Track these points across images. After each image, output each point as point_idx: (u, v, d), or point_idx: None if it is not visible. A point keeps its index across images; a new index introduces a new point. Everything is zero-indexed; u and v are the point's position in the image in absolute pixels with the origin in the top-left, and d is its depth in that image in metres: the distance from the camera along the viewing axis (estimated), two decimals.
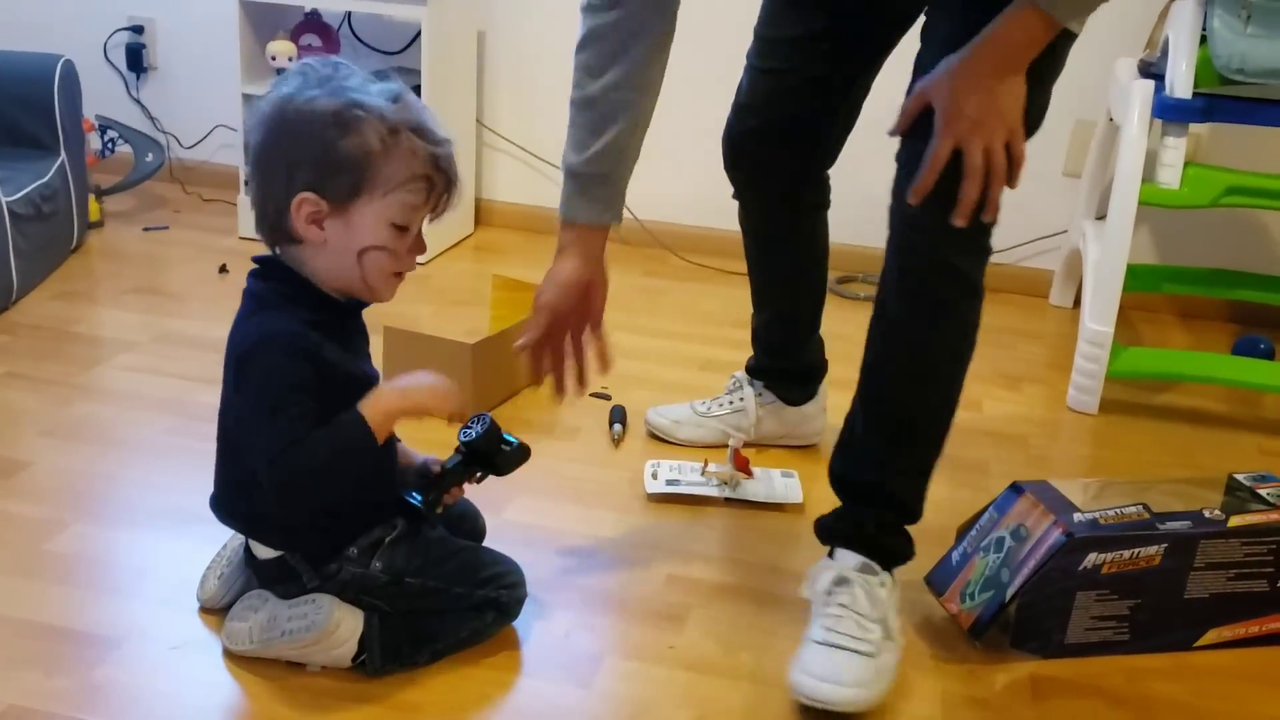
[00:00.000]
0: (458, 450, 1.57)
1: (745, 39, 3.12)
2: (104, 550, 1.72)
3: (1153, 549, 1.59)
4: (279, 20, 3.09)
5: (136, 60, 3.46)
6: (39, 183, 2.69)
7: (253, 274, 1.45)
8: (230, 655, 1.50)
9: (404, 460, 1.60)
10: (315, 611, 1.47)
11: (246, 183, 1.45)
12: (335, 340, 1.42)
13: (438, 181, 1.39)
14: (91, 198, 3.08)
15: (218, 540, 1.64)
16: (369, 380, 1.47)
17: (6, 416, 2.10)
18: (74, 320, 2.54)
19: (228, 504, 1.52)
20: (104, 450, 2.01)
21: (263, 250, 1.45)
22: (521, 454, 1.60)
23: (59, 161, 2.82)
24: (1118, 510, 1.61)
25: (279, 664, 1.49)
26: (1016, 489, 1.68)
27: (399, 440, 1.60)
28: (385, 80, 1.39)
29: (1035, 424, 2.39)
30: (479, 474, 1.58)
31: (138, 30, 3.45)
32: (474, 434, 1.56)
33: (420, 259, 1.47)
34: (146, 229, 3.16)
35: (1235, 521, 1.61)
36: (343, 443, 1.36)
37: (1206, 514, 1.62)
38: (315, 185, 1.35)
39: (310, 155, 1.34)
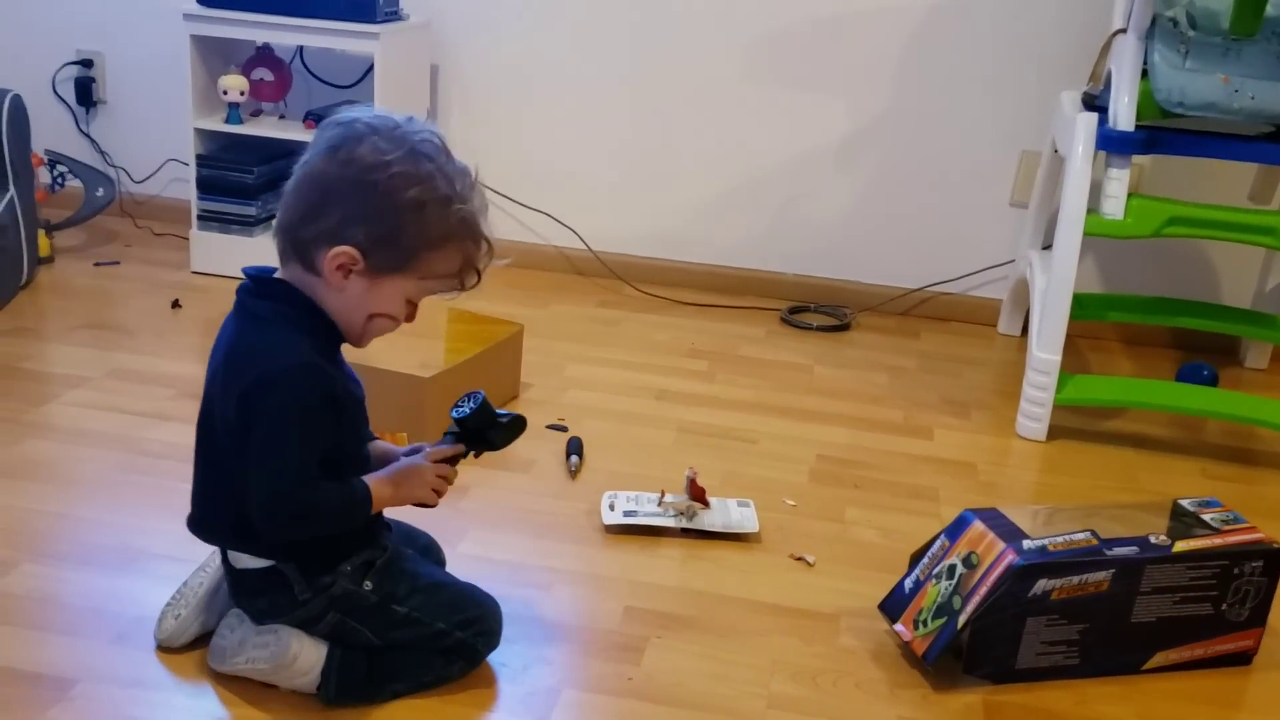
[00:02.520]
0: (451, 430, 1.57)
1: (696, 78, 3.17)
2: (55, 589, 1.70)
3: (1101, 574, 1.62)
4: (231, 54, 3.08)
5: (86, 94, 3.44)
6: None
7: (246, 290, 1.45)
8: (212, 673, 1.53)
9: (380, 453, 1.59)
10: (276, 642, 1.49)
11: (281, 186, 1.44)
12: (332, 361, 1.45)
13: (468, 281, 1.44)
14: (41, 233, 3.05)
15: (172, 578, 1.63)
16: (362, 400, 1.50)
17: None
18: (23, 356, 2.51)
19: (212, 520, 1.51)
20: (54, 488, 1.98)
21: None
22: (516, 426, 1.61)
23: (8, 197, 2.79)
24: (1066, 537, 1.64)
25: (248, 689, 1.51)
26: (967, 516, 1.71)
27: (376, 437, 1.61)
28: (452, 160, 1.40)
29: (984, 451, 2.43)
30: (476, 452, 1.59)
31: (87, 64, 3.43)
32: (466, 411, 1.56)
33: None
34: (98, 264, 3.13)
35: (1180, 546, 1.64)
36: (346, 508, 1.44)
37: (1153, 539, 1.66)
38: (363, 246, 1.36)
39: (372, 221, 1.35)
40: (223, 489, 1.47)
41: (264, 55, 3.12)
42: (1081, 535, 1.65)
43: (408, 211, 1.35)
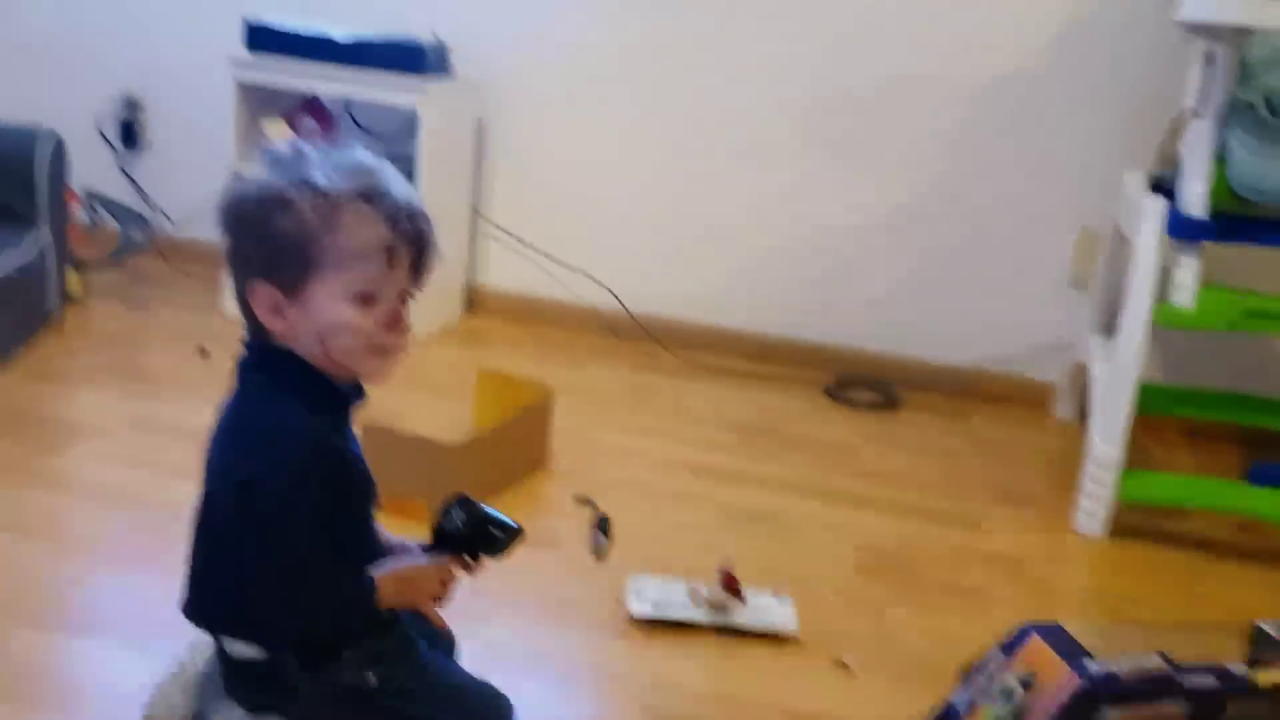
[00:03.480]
0: (440, 539, 1.45)
1: (746, 140, 3.09)
2: (47, 661, 1.61)
3: (1174, 705, 1.48)
4: (277, 101, 3.04)
5: (130, 134, 3.41)
6: (16, 256, 2.61)
7: (245, 362, 1.35)
8: None
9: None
10: None
11: None
12: (339, 431, 1.33)
13: (399, 246, 1.26)
14: (73, 272, 3.01)
15: (167, 654, 1.53)
16: (370, 478, 1.38)
17: None
18: (41, 400, 2.44)
19: (204, 606, 1.40)
20: (56, 547, 1.90)
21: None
22: (513, 537, 1.47)
23: (39, 235, 2.74)
24: (1136, 660, 1.50)
25: None
26: (1026, 630, 1.58)
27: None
28: (350, 152, 1.30)
29: (1038, 547, 2.29)
30: (472, 564, 1.47)
31: (133, 105, 3.40)
32: (458, 525, 1.44)
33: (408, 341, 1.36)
34: (127, 306, 3.07)
35: (1263, 679, 1.50)
36: (356, 604, 1.34)
37: (1232, 669, 1.51)
38: (264, 274, 1.26)
39: (254, 244, 1.26)
40: (216, 575, 1.37)
41: (311, 104, 3.08)
42: (1152, 659, 1.51)
43: (276, 217, 1.24)
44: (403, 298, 1.32)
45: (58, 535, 1.94)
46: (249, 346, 1.34)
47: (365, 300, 1.27)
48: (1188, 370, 2.98)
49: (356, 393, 1.38)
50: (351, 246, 1.24)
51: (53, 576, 1.81)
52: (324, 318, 1.27)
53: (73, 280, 3.02)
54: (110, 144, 3.44)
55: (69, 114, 3.34)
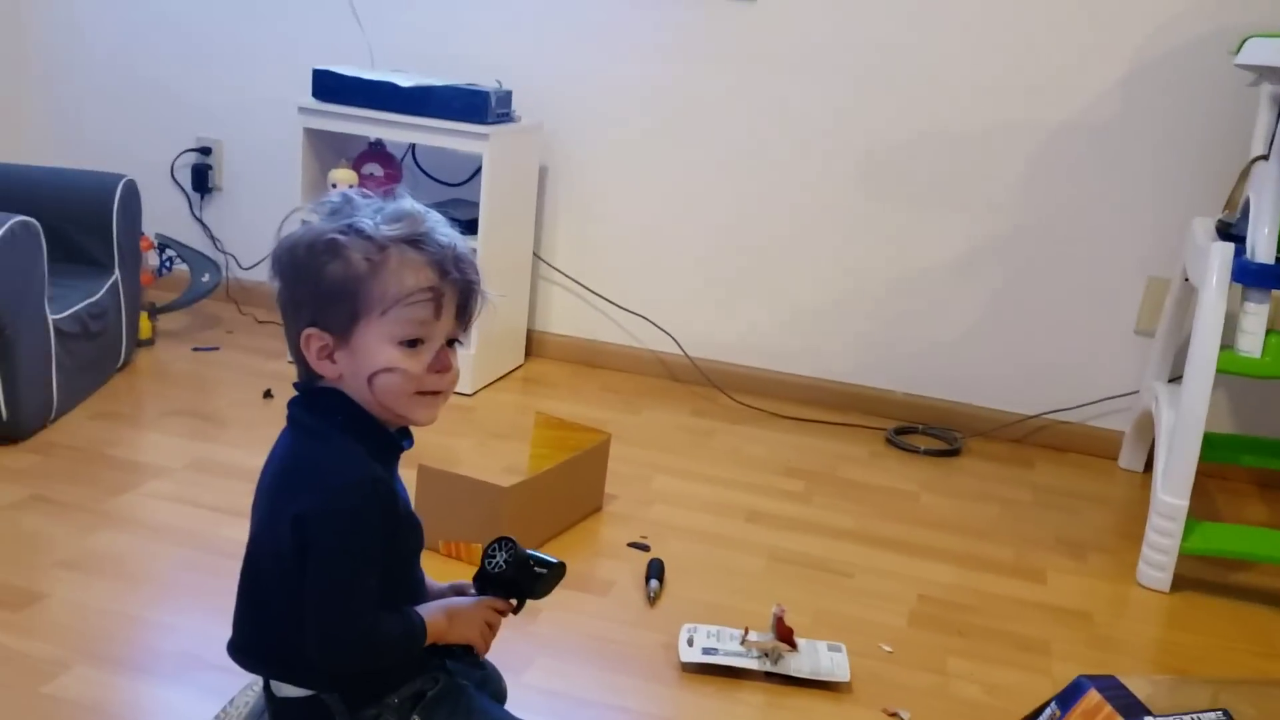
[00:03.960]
0: (484, 581, 1.46)
1: (809, 186, 3.09)
2: (103, 697, 1.63)
3: None
4: (343, 148, 3.10)
5: (202, 180, 3.50)
6: (88, 301, 2.68)
7: (297, 402, 1.38)
8: None
9: (427, 588, 1.50)
10: None
11: None
12: (390, 474, 1.35)
13: (445, 289, 1.29)
14: (144, 315, 3.08)
15: (222, 692, 1.56)
16: (416, 521, 1.40)
17: (26, 544, 2.04)
18: (110, 442, 2.50)
19: (254, 648, 1.42)
20: (120, 585, 1.93)
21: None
22: (555, 576, 1.47)
23: (112, 280, 2.82)
24: (1195, 716, 1.46)
25: None
26: (1082, 684, 1.54)
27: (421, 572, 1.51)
28: (398, 201, 1.33)
29: (1102, 599, 2.24)
30: (515, 603, 1.47)
31: (205, 151, 3.49)
32: (501, 564, 1.45)
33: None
34: (196, 349, 3.14)
35: None
36: (404, 641, 1.35)
37: None
38: (315, 319, 1.29)
39: (306, 289, 1.29)
40: (265, 616, 1.39)
41: (376, 151, 3.14)
42: (1212, 716, 1.47)
43: (326, 263, 1.26)
44: (449, 342, 1.35)
45: (119, 574, 1.97)
46: (301, 389, 1.37)
47: (412, 345, 1.30)
48: (1258, 420, 2.91)
49: (404, 437, 1.40)
50: (399, 292, 1.27)
51: (113, 614, 1.84)
52: (372, 362, 1.29)
53: (144, 323, 3.09)
54: (184, 190, 3.53)
55: (145, 161, 3.45)
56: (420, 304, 1.28)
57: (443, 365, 1.33)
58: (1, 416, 2.39)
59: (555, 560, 1.47)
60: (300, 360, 1.33)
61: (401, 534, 1.36)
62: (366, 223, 1.28)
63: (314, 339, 1.29)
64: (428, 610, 1.40)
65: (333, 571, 1.30)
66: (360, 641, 1.32)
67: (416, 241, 1.28)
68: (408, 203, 1.33)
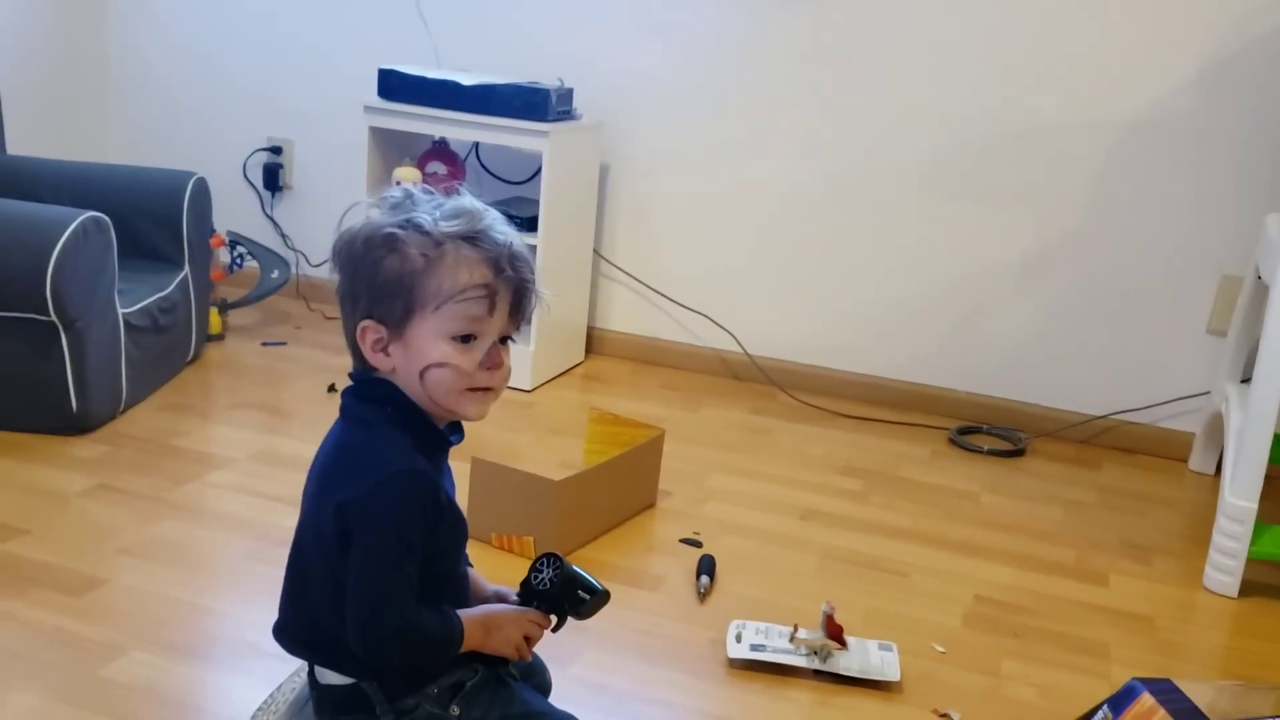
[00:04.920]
0: (528, 595, 1.46)
1: (872, 184, 3.06)
2: (157, 681, 1.67)
3: None
4: (408, 146, 3.14)
5: (273, 179, 3.57)
6: (158, 295, 2.75)
7: (350, 392, 1.40)
8: None
9: (473, 586, 1.51)
10: None
11: None
12: (437, 467, 1.36)
13: (499, 287, 1.30)
14: (214, 311, 3.15)
15: (272, 678, 1.57)
16: (460, 516, 1.41)
17: (90, 530, 2.09)
18: (177, 433, 2.55)
19: (297, 632, 1.45)
20: (179, 572, 1.97)
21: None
22: (601, 601, 1.47)
23: (181, 275, 2.88)
24: None
25: None
26: (1135, 687, 1.50)
27: (471, 567, 1.52)
28: (458, 198, 1.34)
29: (1166, 604, 2.18)
30: (557, 621, 1.48)
31: (276, 151, 3.56)
32: (546, 581, 1.45)
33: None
34: (265, 344, 3.20)
35: None
36: (441, 641, 1.36)
37: None
38: (372, 312, 1.31)
39: (364, 282, 1.31)
40: (307, 602, 1.40)
41: (439, 149, 3.17)
42: None
43: (383, 257, 1.27)
44: (502, 339, 1.36)
45: (179, 561, 2.01)
46: (355, 379, 1.39)
47: (465, 340, 1.31)
48: None
49: (453, 432, 1.41)
50: (453, 288, 1.28)
51: (171, 600, 1.88)
52: (425, 356, 1.30)
53: (214, 319, 3.16)
54: (255, 189, 3.60)
55: (219, 161, 3.53)
56: (474, 300, 1.29)
57: (494, 362, 1.33)
58: (72, 407, 2.46)
59: (601, 587, 1.46)
60: (355, 351, 1.35)
61: (444, 528, 1.36)
62: (425, 218, 1.30)
63: (369, 331, 1.31)
64: (468, 616, 1.40)
65: (372, 560, 1.31)
66: (397, 633, 1.33)
67: (473, 238, 1.30)
68: (467, 200, 1.35)
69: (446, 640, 1.37)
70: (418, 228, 1.29)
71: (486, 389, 1.35)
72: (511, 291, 1.32)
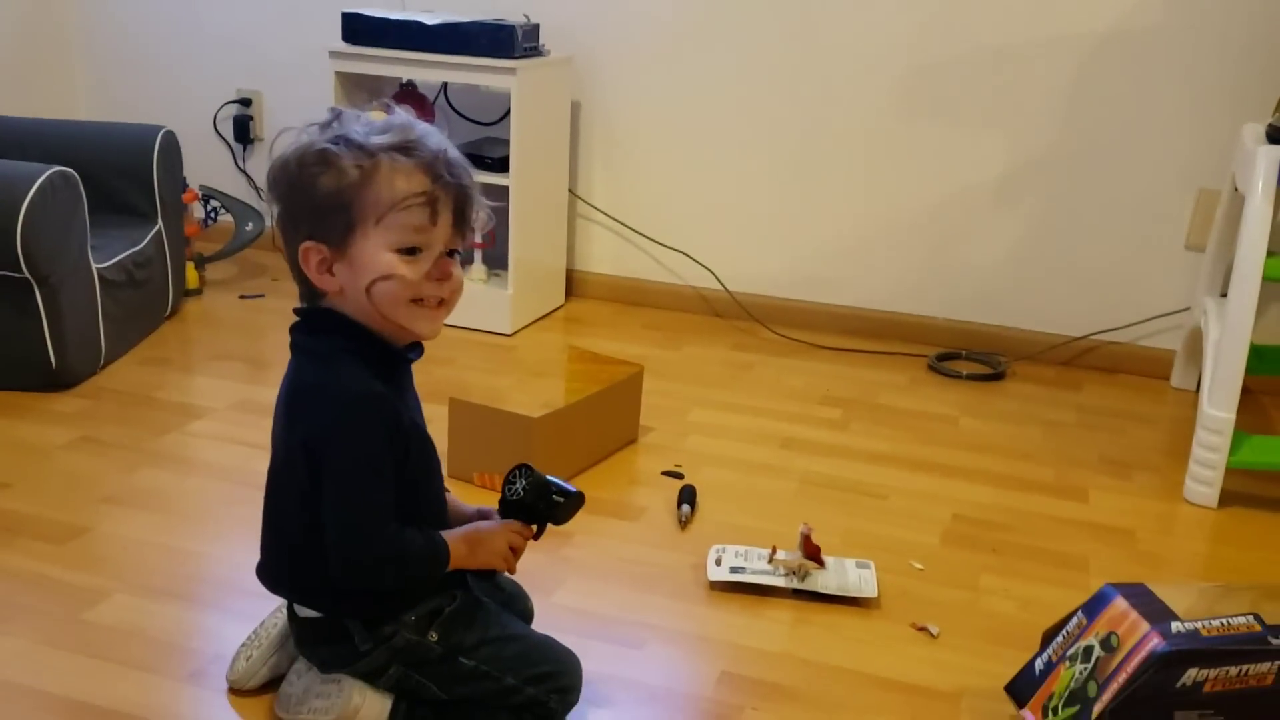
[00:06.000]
0: (505, 509, 1.47)
1: (843, 112, 3.04)
2: (142, 622, 1.68)
3: (1265, 666, 1.40)
4: (376, 91, 3.11)
5: (244, 132, 3.54)
6: (132, 250, 2.73)
7: (298, 327, 1.39)
8: None
9: (453, 511, 1.52)
10: (338, 693, 1.43)
11: None
12: (393, 388, 1.36)
13: (439, 194, 1.28)
14: (190, 266, 3.13)
15: (255, 616, 1.59)
16: (427, 436, 1.41)
17: (72, 481, 2.10)
18: (157, 386, 2.55)
19: (276, 571, 1.46)
20: (161, 518, 1.98)
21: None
22: (575, 503, 1.49)
23: (155, 229, 2.86)
24: (1224, 621, 1.43)
25: None
26: (1108, 592, 1.52)
27: (448, 491, 1.53)
28: (387, 116, 1.33)
29: (1145, 517, 2.20)
30: (536, 529, 1.49)
31: (245, 103, 3.53)
32: (520, 490, 1.46)
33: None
34: (242, 297, 3.19)
35: None
36: (427, 558, 1.38)
37: None
38: (313, 232, 1.30)
39: (302, 202, 1.30)
40: (284, 542, 1.42)
41: (408, 92, 3.14)
42: (1242, 619, 1.44)
43: (318, 174, 1.27)
44: (450, 252, 1.35)
45: (161, 508, 2.02)
46: (301, 314, 1.38)
47: (411, 253, 1.30)
48: None
49: (410, 350, 1.40)
50: (392, 198, 1.27)
51: (153, 545, 1.89)
52: (370, 270, 1.29)
53: (191, 274, 3.15)
54: (227, 142, 3.57)
55: (189, 115, 3.50)
56: (415, 208, 1.28)
57: (442, 273, 1.32)
58: (51, 364, 2.45)
59: (574, 490, 1.48)
60: (300, 277, 1.34)
61: (413, 450, 1.37)
62: (356, 132, 1.28)
63: (312, 252, 1.30)
64: (451, 535, 1.41)
65: (344, 487, 1.32)
66: (381, 555, 1.33)
67: (407, 148, 1.28)
68: (397, 115, 1.34)
69: (432, 558, 1.38)
70: (349, 142, 1.27)
71: (438, 303, 1.34)
72: (452, 199, 1.30)
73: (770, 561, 1.85)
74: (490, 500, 1.51)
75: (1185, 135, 2.80)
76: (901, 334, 3.09)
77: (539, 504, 1.47)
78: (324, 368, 1.33)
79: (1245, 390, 2.21)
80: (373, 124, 1.30)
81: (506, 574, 1.52)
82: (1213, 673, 1.39)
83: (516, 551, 1.47)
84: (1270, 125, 2.37)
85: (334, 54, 2.97)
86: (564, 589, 1.81)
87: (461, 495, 1.55)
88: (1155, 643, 1.39)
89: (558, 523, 1.49)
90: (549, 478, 1.48)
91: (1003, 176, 2.95)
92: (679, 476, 2.23)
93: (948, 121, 2.95)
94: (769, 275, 3.19)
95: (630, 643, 1.69)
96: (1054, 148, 2.89)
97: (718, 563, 1.87)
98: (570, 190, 3.24)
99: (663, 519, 2.07)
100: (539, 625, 1.59)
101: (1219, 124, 2.74)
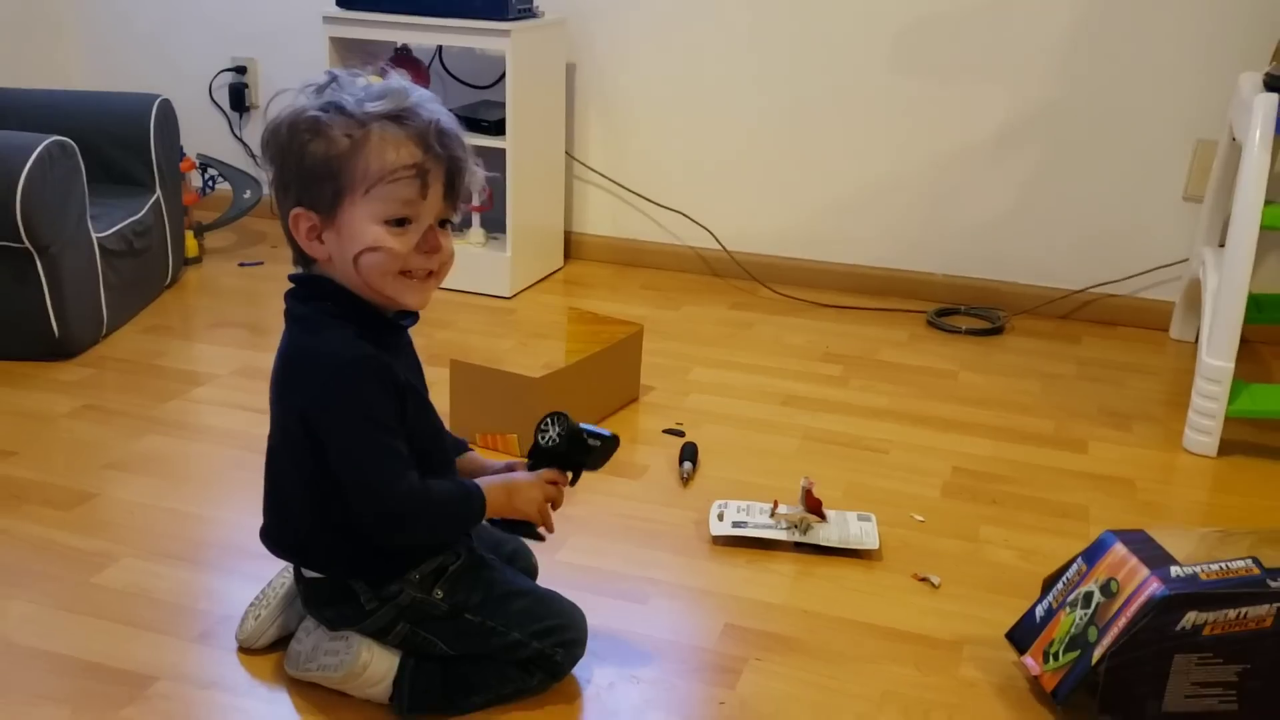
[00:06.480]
0: (539, 456, 1.47)
1: (840, 69, 3.02)
2: (150, 585, 1.69)
3: (1263, 609, 1.41)
4: (371, 56, 3.09)
5: (239, 100, 3.53)
6: (131, 219, 2.73)
7: (292, 294, 1.39)
8: (288, 678, 1.49)
9: (475, 467, 1.52)
10: (346, 650, 1.44)
11: None
12: (389, 352, 1.36)
13: (430, 166, 1.27)
14: (189, 234, 3.13)
15: (262, 577, 1.60)
16: (424, 393, 1.41)
17: (77, 449, 2.11)
18: (158, 354, 2.56)
19: (279, 535, 1.47)
20: (166, 483, 1.99)
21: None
22: (609, 447, 1.49)
23: (154, 198, 2.86)
24: (1223, 565, 1.45)
25: (322, 697, 1.46)
26: (1107, 538, 1.53)
27: (472, 449, 1.54)
28: (386, 79, 1.32)
29: (1145, 466, 2.21)
30: (572, 476, 1.49)
31: (240, 71, 3.51)
32: (554, 438, 1.47)
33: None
34: (242, 264, 3.19)
35: None
36: (460, 504, 1.38)
37: None
38: (302, 199, 1.29)
39: (292, 169, 1.29)
40: (286, 507, 1.43)
41: (402, 57, 3.12)
42: (1241, 563, 1.45)
43: (308, 141, 1.26)
44: (441, 223, 1.34)
45: (165, 473, 2.03)
46: (295, 279, 1.38)
47: (400, 224, 1.29)
48: None
49: (403, 316, 1.40)
50: (381, 169, 1.26)
51: (159, 510, 1.90)
52: (358, 241, 1.29)
53: (191, 242, 3.15)
54: (223, 110, 3.56)
55: (185, 83, 3.49)
56: (404, 181, 1.26)
57: (431, 245, 1.31)
58: (54, 333, 2.46)
59: (608, 433, 1.48)
60: (292, 242, 1.34)
61: (410, 410, 1.37)
62: (348, 99, 1.27)
63: (302, 219, 1.30)
64: (488, 482, 1.41)
65: (352, 448, 1.32)
66: (405, 504, 1.33)
67: (399, 117, 1.27)
68: (394, 79, 1.33)
69: (464, 500, 1.38)
70: (341, 109, 1.26)
71: (426, 274, 1.33)
72: (444, 170, 1.29)
73: (772, 516, 1.86)
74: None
75: (1182, 86, 2.79)
76: (900, 290, 3.10)
77: (574, 450, 1.47)
78: (314, 335, 1.33)
79: (1243, 340, 2.22)
80: (369, 89, 1.29)
81: (507, 535, 1.52)
82: (1212, 616, 1.40)
83: (553, 502, 1.47)
84: (1268, 73, 2.36)
85: (328, 19, 2.96)
86: (568, 547, 1.83)
87: None
88: (1155, 587, 1.40)
89: (593, 468, 1.50)
90: (581, 425, 1.49)
91: (1000, 131, 2.95)
92: (680, 434, 2.24)
93: (944, 77, 2.94)
94: (767, 234, 3.18)
95: (635, 597, 1.70)
96: (1051, 101, 2.88)
97: (720, 518, 1.88)
98: (567, 152, 3.24)
99: (665, 476, 2.08)
100: (543, 582, 1.61)
101: (1216, 74, 2.73)
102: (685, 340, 2.75)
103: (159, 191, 2.89)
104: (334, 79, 1.31)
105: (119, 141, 2.86)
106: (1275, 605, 1.41)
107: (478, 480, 1.42)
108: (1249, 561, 1.45)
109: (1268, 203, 2.18)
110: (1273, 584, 1.42)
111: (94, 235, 2.57)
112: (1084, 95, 2.86)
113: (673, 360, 2.60)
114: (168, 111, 2.93)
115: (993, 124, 2.94)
